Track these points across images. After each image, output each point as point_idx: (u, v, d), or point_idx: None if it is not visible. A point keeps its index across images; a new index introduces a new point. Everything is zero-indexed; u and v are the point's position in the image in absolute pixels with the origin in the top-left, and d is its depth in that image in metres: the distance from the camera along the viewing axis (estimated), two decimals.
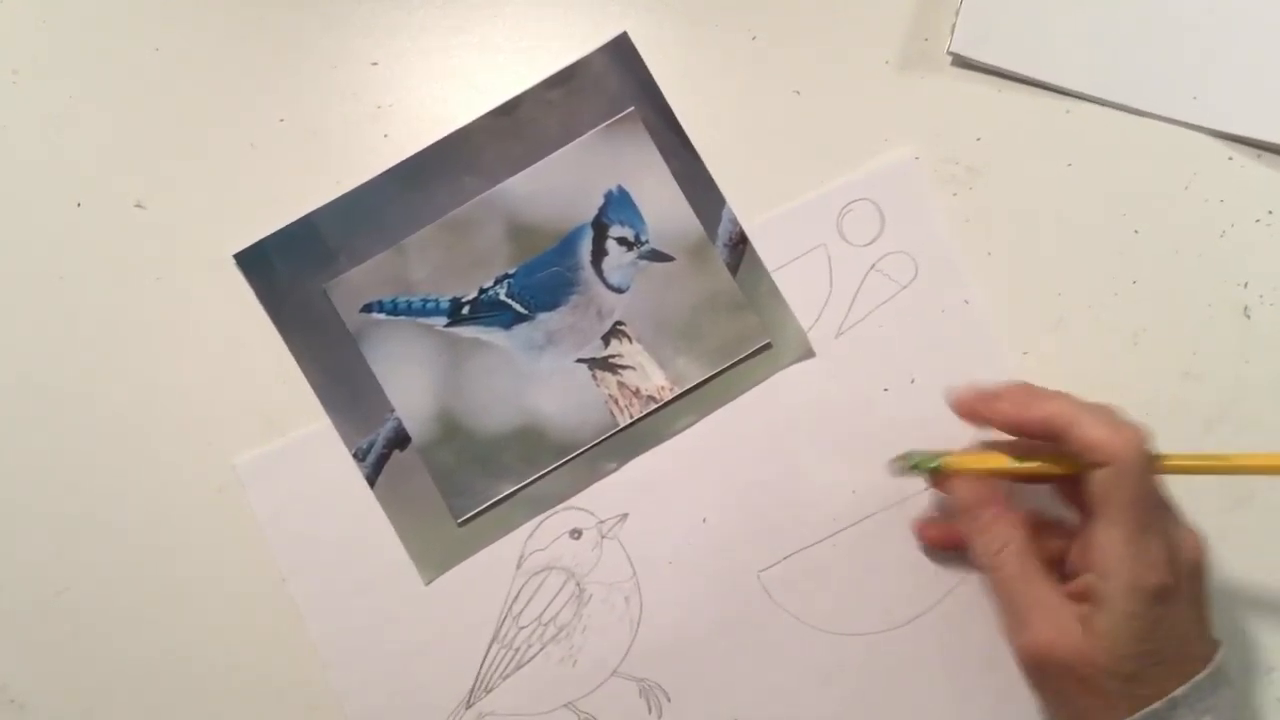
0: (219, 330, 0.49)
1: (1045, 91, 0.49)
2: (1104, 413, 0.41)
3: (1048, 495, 0.45)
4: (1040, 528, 0.43)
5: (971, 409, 0.44)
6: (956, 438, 0.45)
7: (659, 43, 0.49)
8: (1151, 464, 0.40)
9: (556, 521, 0.48)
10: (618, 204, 0.49)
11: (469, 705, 0.47)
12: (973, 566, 0.45)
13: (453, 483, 0.48)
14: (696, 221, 0.48)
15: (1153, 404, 0.47)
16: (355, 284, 0.48)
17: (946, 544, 0.47)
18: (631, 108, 0.49)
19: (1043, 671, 0.41)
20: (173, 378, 0.49)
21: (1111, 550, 0.40)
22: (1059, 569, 0.43)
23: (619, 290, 0.48)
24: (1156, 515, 0.40)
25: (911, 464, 0.45)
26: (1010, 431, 0.43)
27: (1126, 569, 0.39)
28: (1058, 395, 0.42)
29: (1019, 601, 0.41)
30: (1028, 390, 0.43)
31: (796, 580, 0.47)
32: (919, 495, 0.47)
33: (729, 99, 0.49)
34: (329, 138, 0.49)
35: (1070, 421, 0.40)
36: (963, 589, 0.47)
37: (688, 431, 0.48)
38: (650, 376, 0.48)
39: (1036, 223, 0.49)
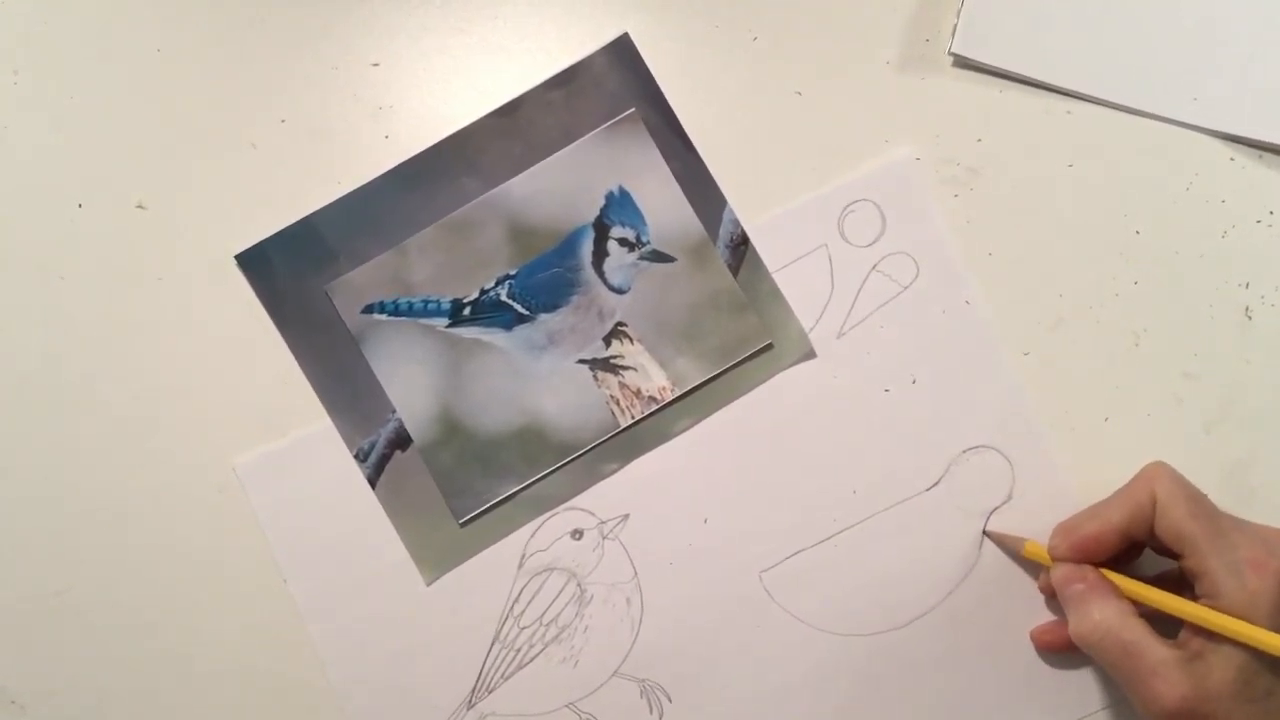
0: (220, 331, 0.49)
1: (1046, 92, 0.49)
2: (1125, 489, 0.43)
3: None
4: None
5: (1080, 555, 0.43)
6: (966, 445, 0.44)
7: (660, 43, 0.49)
8: (1188, 485, 0.42)
9: (558, 522, 0.48)
10: (619, 205, 0.48)
11: (470, 705, 0.47)
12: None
13: (454, 483, 0.48)
14: (698, 222, 0.48)
15: (1153, 405, 0.48)
16: (356, 285, 0.48)
17: (1060, 645, 0.46)
18: (632, 108, 0.49)
19: None
20: (173, 378, 0.49)
21: (1207, 564, 0.40)
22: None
23: (620, 291, 0.48)
24: (1228, 520, 0.41)
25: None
26: (1105, 548, 0.43)
27: (1226, 567, 0.39)
28: (1102, 505, 0.44)
29: (1131, 673, 0.40)
30: (1081, 518, 0.44)
31: (798, 581, 0.47)
32: (918, 497, 0.47)
33: (730, 99, 0.49)
34: (330, 138, 0.49)
35: (1115, 504, 0.43)
36: (963, 590, 0.47)
37: (689, 432, 0.48)
38: (651, 377, 0.48)
39: (1037, 223, 0.49)
